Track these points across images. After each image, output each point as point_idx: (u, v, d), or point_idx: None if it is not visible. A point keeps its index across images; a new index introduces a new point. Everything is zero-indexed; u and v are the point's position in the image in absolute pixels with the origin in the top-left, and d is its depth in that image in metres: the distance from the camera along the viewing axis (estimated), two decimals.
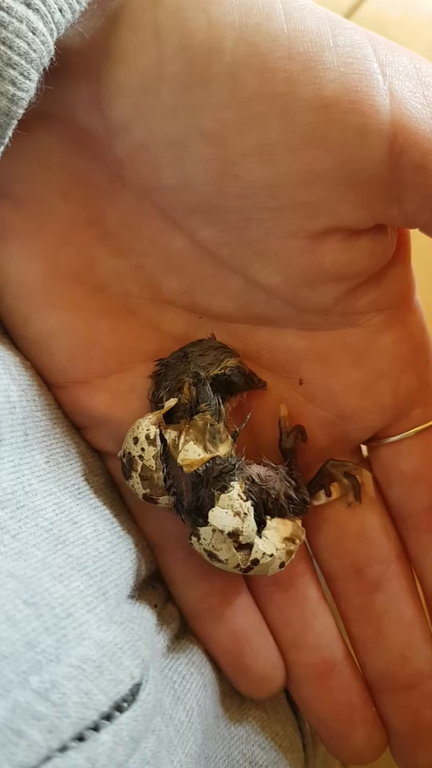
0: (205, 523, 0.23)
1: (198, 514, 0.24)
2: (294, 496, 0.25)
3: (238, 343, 0.25)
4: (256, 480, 0.24)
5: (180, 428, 0.24)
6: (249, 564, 0.24)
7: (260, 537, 0.24)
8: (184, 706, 0.24)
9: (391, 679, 0.27)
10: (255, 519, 0.24)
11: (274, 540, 0.24)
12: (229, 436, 0.24)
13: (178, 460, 0.24)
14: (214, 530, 0.23)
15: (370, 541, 0.27)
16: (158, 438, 0.24)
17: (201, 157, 0.21)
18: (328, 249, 0.22)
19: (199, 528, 0.23)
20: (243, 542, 0.23)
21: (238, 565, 0.24)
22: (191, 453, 0.24)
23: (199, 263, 0.24)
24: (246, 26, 0.20)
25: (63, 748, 0.16)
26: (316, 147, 0.20)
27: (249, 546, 0.23)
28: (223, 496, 0.23)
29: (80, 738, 0.17)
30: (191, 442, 0.24)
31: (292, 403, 0.26)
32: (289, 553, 0.24)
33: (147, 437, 0.24)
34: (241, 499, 0.23)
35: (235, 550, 0.23)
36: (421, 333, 0.25)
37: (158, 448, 0.24)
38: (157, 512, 0.26)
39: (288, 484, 0.25)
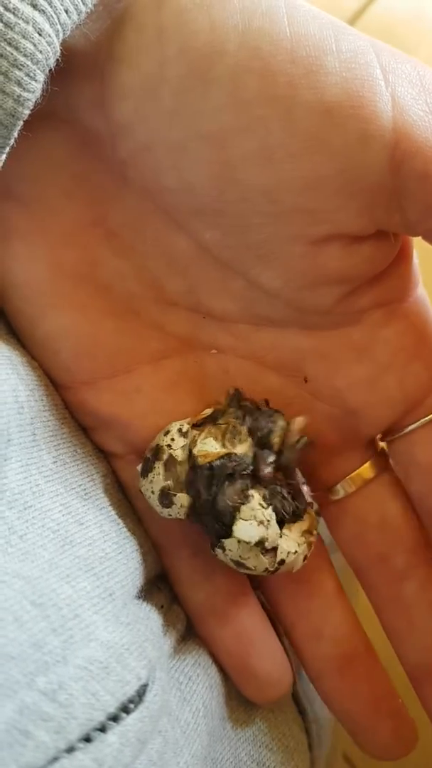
0: (228, 534, 0.23)
1: (216, 518, 0.23)
2: (289, 510, 0.25)
3: (242, 343, 0.25)
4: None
5: (204, 429, 0.24)
6: (276, 566, 0.24)
7: (281, 536, 0.24)
8: (190, 707, 0.24)
9: (430, 667, 0.27)
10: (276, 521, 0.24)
11: (294, 536, 0.24)
12: (249, 438, 0.24)
13: (194, 451, 0.24)
14: (239, 541, 0.23)
15: (392, 531, 0.27)
16: (190, 432, 0.24)
17: (202, 160, 0.21)
18: (329, 254, 0.22)
19: (223, 540, 0.23)
20: (269, 547, 0.23)
21: (267, 569, 0.24)
22: (208, 446, 0.24)
23: (202, 264, 0.24)
24: (248, 29, 0.20)
25: (70, 749, 0.16)
26: (316, 152, 0.20)
27: (274, 549, 0.23)
28: (244, 507, 0.23)
29: (87, 739, 0.17)
30: (211, 438, 0.24)
31: (298, 402, 0.25)
32: (309, 545, 0.24)
33: (179, 429, 0.24)
34: (263, 507, 0.23)
35: (262, 556, 0.23)
36: (425, 323, 0.25)
37: (188, 441, 0.24)
38: None
39: (283, 502, 0.25)
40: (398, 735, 0.27)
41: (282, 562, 0.24)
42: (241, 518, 0.23)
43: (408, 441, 0.26)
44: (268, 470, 0.24)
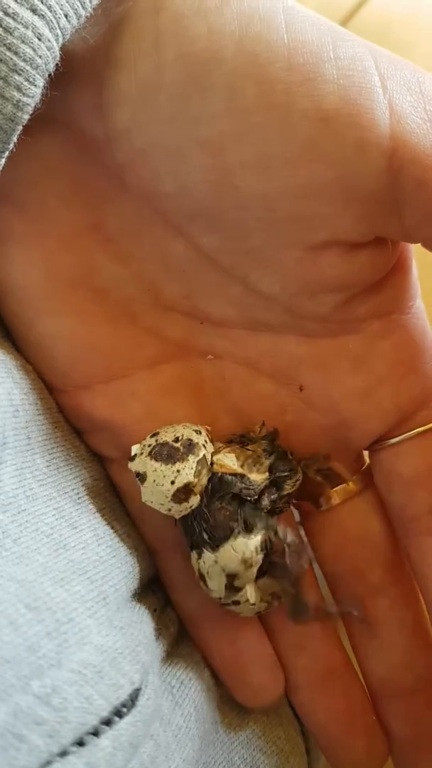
0: (211, 546, 0.23)
1: (207, 527, 0.23)
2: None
3: (238, 349, 0.25)
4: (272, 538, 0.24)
5: (231, 446, 0.25)
6: (229, 602, 0.24)
7: (254, 588, 0.24)
8: (182, 711, 0.24)
9: (393, 685, 0.27)
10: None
11: (262, 592, 0.24)
12: (267, 473, 0.24)
13: (213, 458, 0.24)
14: (216, 562, 0.23)
15: (372, 546, 0.27)
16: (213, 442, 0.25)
17: (199, 167, 0.21)
18: (326, 261, 0.22)
19: (205, 550, 0.23)
20: (235, 584, 0.23)
21: (219, 598, 0.24)
22: (228, 461, 0.24)
23: (199, 269, 0.24)
24: (246, 36, 0.20)
25: (63, 753, 0.16)
26: (314, 160, 0.20)
27: (239, 589, 0.24)
28: (240, 539, 0.23)
29: (80, 743, 0.17)
30: (233, 456, 0.24)
31: (292, 410, 0.25)
32: (267, 606, 0.24)
33: (208, 434, 0.24)
34: (256, 552, 0.23)
35: (224, 587, 0.23)
36: (423, 336, 0.25)
37: (212, 449, 0.24)
38: (157, 517, 0.26)
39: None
40: (370, 751, 0.27)
41: (236, 603, 0.24)
42: (232, 545, 0.23)
43: (392, 452, 0.26)
44: (265, 503, 0.24)
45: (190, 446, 0.24)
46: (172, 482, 0.23)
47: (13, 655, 0.16)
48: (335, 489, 0.27)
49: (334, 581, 0.28)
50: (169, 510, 0.23)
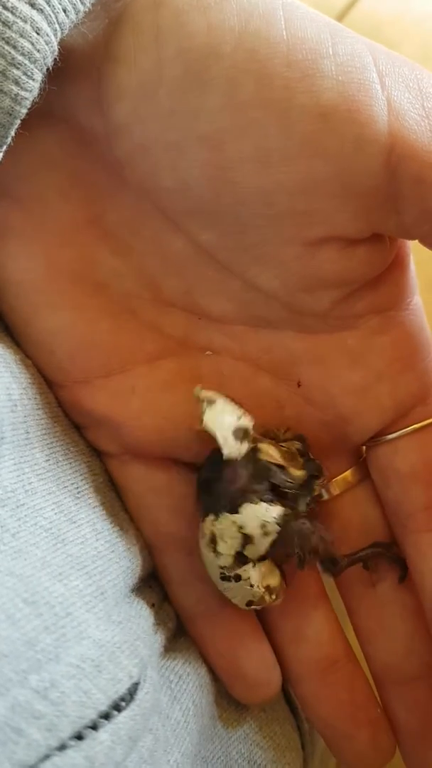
0: (232, 512, 0.23)
1: (228, 492, 0.23)
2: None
3: (237, 345, 0.25)
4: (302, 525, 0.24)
5: (265, 441, 0.25)
6: (231, 574, 0.24)
7: (257, 568, 0.24)
8: (181, 705, 0.24)
9: (397, 671, 0.27)
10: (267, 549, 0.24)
11: (266, 579, 0.24)
12: (303, 470, 0.25)
13: (259, 445, 0.24)
14: (234, 522, 0.23)
15: (371, 533, 0.27)
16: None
17: (198, 162, 0.21)
18: (325, 257, 0.22)
19: (221, 513, 0.23)
20: (246, 552, 0.23)
21: (223, 567, 0.24)
22: (272, 451, 0.24)
23: (198, 264, 0.24)
24: (245, 32, 0.20)
25: (62, 747, 0.16)
26: (312, 156, 0.20)
27: (245, 561, 0.24)
28: (263, 504, 0.23)
29: (79, 737, 0.17)
30: (273, 447, 0.24)
31: (290, 406, 0.26)
32: (261, 600, 0.24)
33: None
34: (277, 523, 0.23)
35: (234, 552, 0.23)
36: (420, 333, 0.25)
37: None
38: (155, 512, 0.26)
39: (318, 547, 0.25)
40: (375, 744, 0.27)
41: (237, 578, 0.24)
42: (254, 508, 0.23)
43: (390, 448, 0.26)
44: (302, 507, 0.24)
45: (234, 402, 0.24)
46: (239, 417, 0.24)
47: (11, 649, 0.17)
48: (335, 480, 0.27)
49: None
50: (225, 440, 0.23)
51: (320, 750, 0.31)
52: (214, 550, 0.24)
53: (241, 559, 0.23)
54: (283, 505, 0.24)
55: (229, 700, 0.27)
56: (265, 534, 0.23)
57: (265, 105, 0.20)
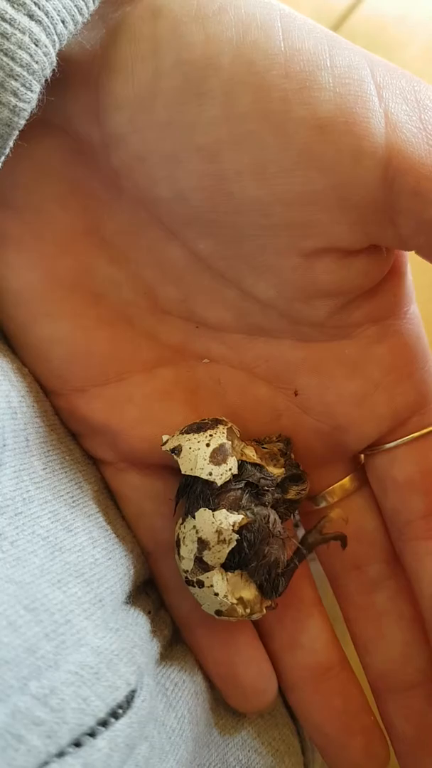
0: (213, 507, 0.23)
1: (208, 491, 0.23)
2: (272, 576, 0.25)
3: (234, 353, 0.25)
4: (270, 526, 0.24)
5: (249, 442, 0.25)
6: (194, 579, 0.24)
7: (222, 576, 0.24)
8: (176, 713, 0.24)
9: (394, 679, 0.27)
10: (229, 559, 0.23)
11: (238, 591, 0.24)
12: (283, 469, 0.25)
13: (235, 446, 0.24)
14: (193, 527, 0.23)
15: (369, 542, 0.27)
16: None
17: (195, 173, 0.21)
18: (321, 268, 0.22)
19: (188, 516, 0.23)
20: (204, 558, 0.23)
21: (186, 571, 0.24)
22: (248, 451, 0.24)
23: (196, 273, 0.24)
24: (243, 43, 0.20)
25: (60, 754, 0.17)
26: (309, 167, 0.20)
27: (206, 568, 0.23)
28: (222, 511, 0.23)
29: (77, 743, 0.17)
30: (252, 449, 0.24)
31: (287, 415, 0.26)
32: (231, 611, 0.24)
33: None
34: (232, 529, 0.23)
35: (193, 556, 0.23)
36: (418, 342, 0.25)
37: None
38: (151, 520, 0.26)
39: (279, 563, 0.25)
40: (369, 753, 0.27)
41: (200, 584, 0.24)
42: (211, 512, 0.23)
43: (388, 457, 0.26)
44: (268, 498, 0.24)
45: (217, 421, 0.24)
46: (207, 444, 0.23)
47: (12, 656, 0.17)
48: (332, 487, 0.27)
49: (334, 576, 0.28)
50: (210, 474, 0.23)
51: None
52: (178, 554, 0.24)
53: (202, 565, 0.23)
54: (255, 506, 0.24)
55: (225, 707, 0.27)
56: (221, 541, 0.23)
57: (263, 117, 0.20)
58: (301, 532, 0.28)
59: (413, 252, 0.23)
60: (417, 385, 0.25)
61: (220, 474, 0.23)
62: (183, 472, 0.23)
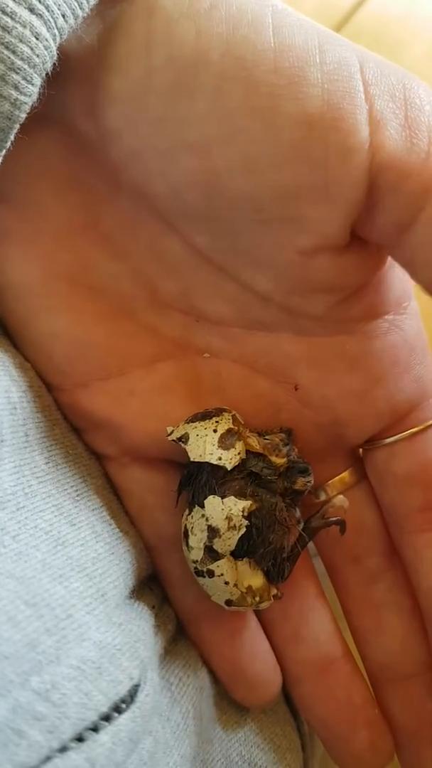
0: (203, 507, 0.23)
1: (214, 478, 0.24)
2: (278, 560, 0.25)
3: (234, 347, 0.25)
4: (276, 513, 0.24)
5: (252, 433, 0.25)
6: (204, 569, 0.24)
7: (232, 564, 0.24)
8: (180, 708, 0.25)
9: (392, 669, 0.27)
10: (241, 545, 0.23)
11: (247, 579, 0.24)
12: (285, 459, 0.25)
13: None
14: (202, 516, 0.23)
15: (368, 534, 0.27)
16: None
17: (188, 169, 0.21)
18: (317, 264, 0.22)
19: (195, 506, 0.24)
20: (214, 546, 0.23)
21: (195, 561, 0.24)
22: (250, 440, 0.24)
23: (195, 266, 0.24)
24: (233, 39, 0.20)
25: (63, 749, 0.17)
26: (298, 163, 0.20)
27: (216, 557, 0.23)
28: (230, 497, 0.23)
29: (80, 738, 0.17)
30: (254, 438, 0.24)
31: (287, 409, 0.26)
32: (241, 601, 0.24)
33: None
34: (242, 514, 0.23)
35: (203, 545, 0.23)
36: (417, 337, 0.25)
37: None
38: (154, 514, 0.26)
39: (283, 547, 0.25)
40: (374, 746, 0.27)
41: (210, 573, 0.24)
42: (221, 500, 0.23)
43: (387, 452, 0.26)
44: (278, 487, 0.25)
45: (221, 409, 0.24)
46: (215, 430, 0.24)
47: (12, 651, 0.17)
48: (332, 481, 0.27)
49: (334, 569, 0.28)
50: (220, 459, 0.23)
51: (320, 752, 0.31)
52: (187, 545, 0.24)
53: (212, 554, 0.23)
54: (261, 493, 0.24)
55: (229, 702, 0.27)
56: (231, 528, 0.23)
57: (252, 112, 0.20)
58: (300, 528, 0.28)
59: None
60: (416, 381, 0.25)
61: (230, 458, 0.23)
62: (192, 459, 0.23)
